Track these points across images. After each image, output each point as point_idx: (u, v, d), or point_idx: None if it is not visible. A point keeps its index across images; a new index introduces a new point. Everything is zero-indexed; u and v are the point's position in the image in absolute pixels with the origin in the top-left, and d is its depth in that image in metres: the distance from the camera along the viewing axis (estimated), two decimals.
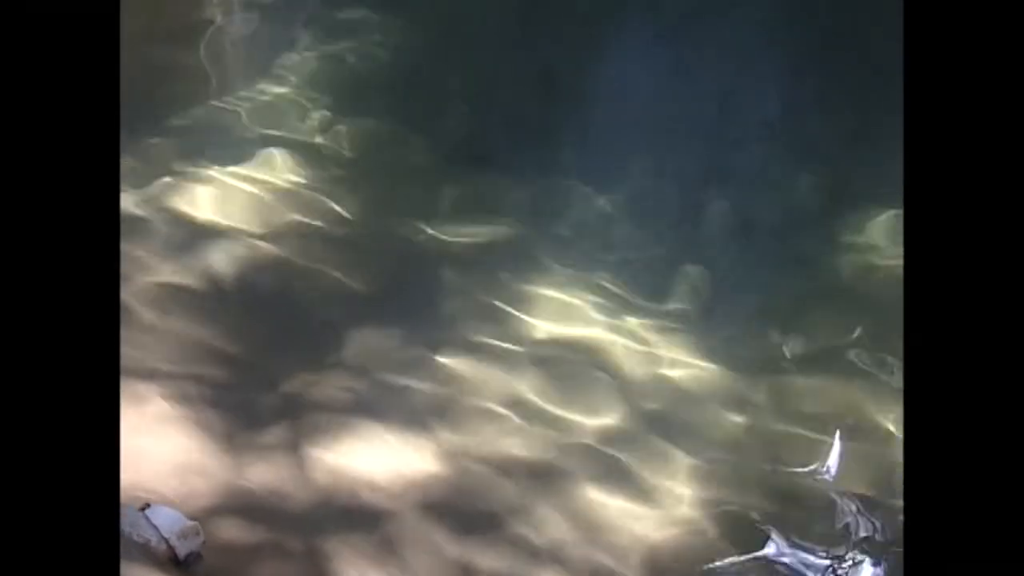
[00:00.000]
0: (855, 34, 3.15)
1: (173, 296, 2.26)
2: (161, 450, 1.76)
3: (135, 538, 1.61)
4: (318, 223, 2.69)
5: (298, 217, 2.69)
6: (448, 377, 2.23)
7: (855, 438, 2.17)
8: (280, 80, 3.27)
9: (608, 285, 2.56)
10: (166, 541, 1.61)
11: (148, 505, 1.65)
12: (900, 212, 2.29)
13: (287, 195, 2.75)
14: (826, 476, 2.14)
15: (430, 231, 2.66)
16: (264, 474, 1.78)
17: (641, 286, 2.55)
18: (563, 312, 2.49)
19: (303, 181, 2.81)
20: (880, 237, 2.66)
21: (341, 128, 3.03)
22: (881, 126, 2.58)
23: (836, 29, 3.17)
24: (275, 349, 2.24)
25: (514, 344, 2.38)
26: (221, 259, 2.43)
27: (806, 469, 2.13)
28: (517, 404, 2.18)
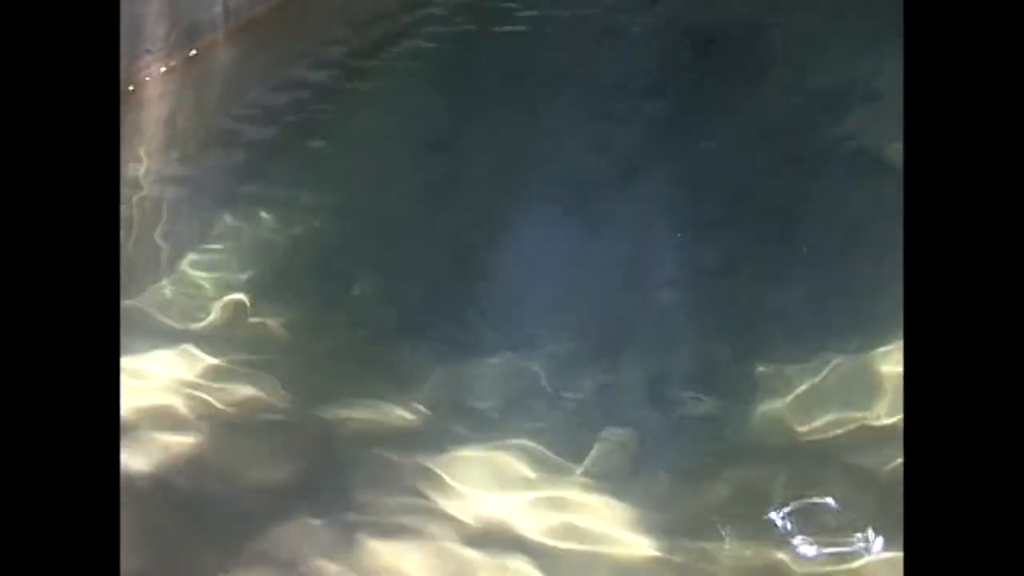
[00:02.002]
0: (761, 197, 3.33)
1: None
2: None
3: None
4: (233, 410, 2.61)
5: (216, 404, 2.61)
6: (371, 564, 2.17)
7: None
8: (195, 264, 3.21)
9: (530, 455, 2.50)
10: None
11: None
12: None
13: (201, 385, 2.68)
14: None
15: (350, 413, 2.60)
16: None
17: (564, 453, 2.50)
18: (487, 484, 2.41)
19: (218, 367, 2.75)
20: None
21: (258, 311, 2.99)
22: (789, 292, 2.80)
23: (741, 192, 3.34)
24: (193, 545, 2.19)
25: (440, 524, 2.28)
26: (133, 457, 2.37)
27: None
28: None
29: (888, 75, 3.86)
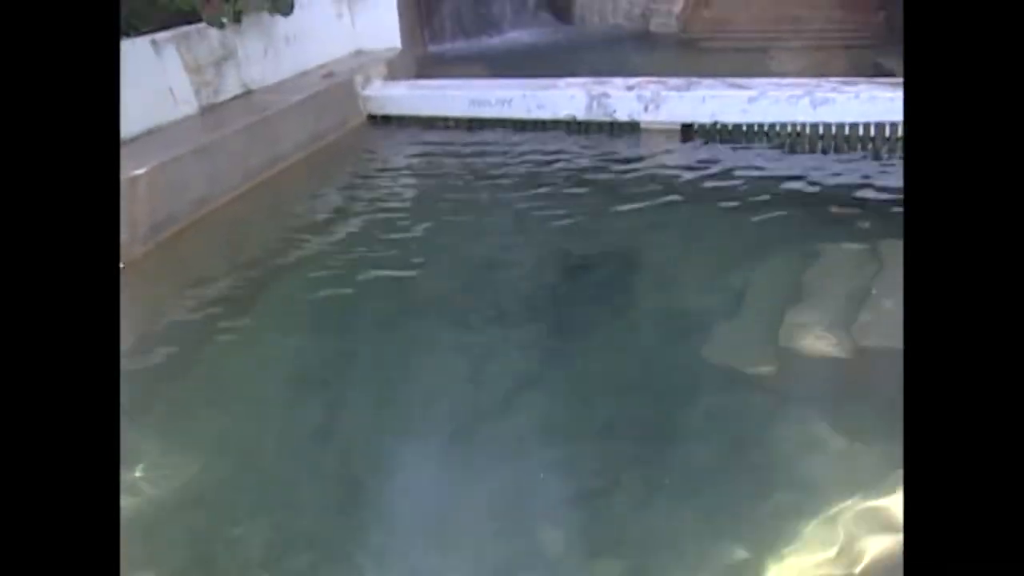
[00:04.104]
0: (636, 417, 3.39)
1: None
2: None
3: None
4: None
5: None
6: None
7: None
8: None
9: None
10: None
11: None
12: None
13: None
14: None
15: None
16: None
17: None
18: None
19: None
20: None
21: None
22: (670, 511, 2.84)
23: (616, 413, 3.42)
24: None
25: None
26: None
27: None
28: None
29: (751, 293, 4.17)
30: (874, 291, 4.12)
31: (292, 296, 4.56)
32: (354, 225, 5.44)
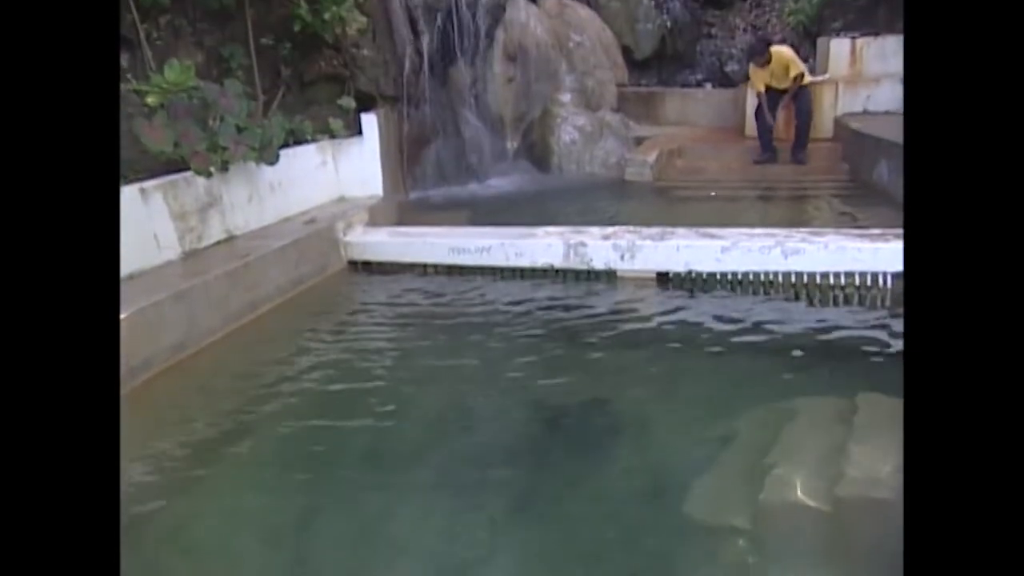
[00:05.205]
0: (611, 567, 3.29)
1: None
2: None
3: None
4: None
5: None
6: None
7: None
8: None
9: None
10: None
11: None
12: None
13: None
14: None
15: None
16: None
17: None
18: None
19: None
20: None
21: None
22: None
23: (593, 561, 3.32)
24: None
25: None
26: None
27: None
28: None
29: (729, 445, 4.16)
30: (850, 443, 4.12)
31: (262, 448, 4.49)
32: (329, 373, 5.43)
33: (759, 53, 11.26)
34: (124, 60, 7.10)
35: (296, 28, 8.46)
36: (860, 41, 12.33)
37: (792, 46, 12.29)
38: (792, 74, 11.21)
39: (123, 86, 6.68)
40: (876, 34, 12.41)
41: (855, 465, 3.92)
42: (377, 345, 5.99)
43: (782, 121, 11.63)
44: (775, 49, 11.27)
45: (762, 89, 11.42)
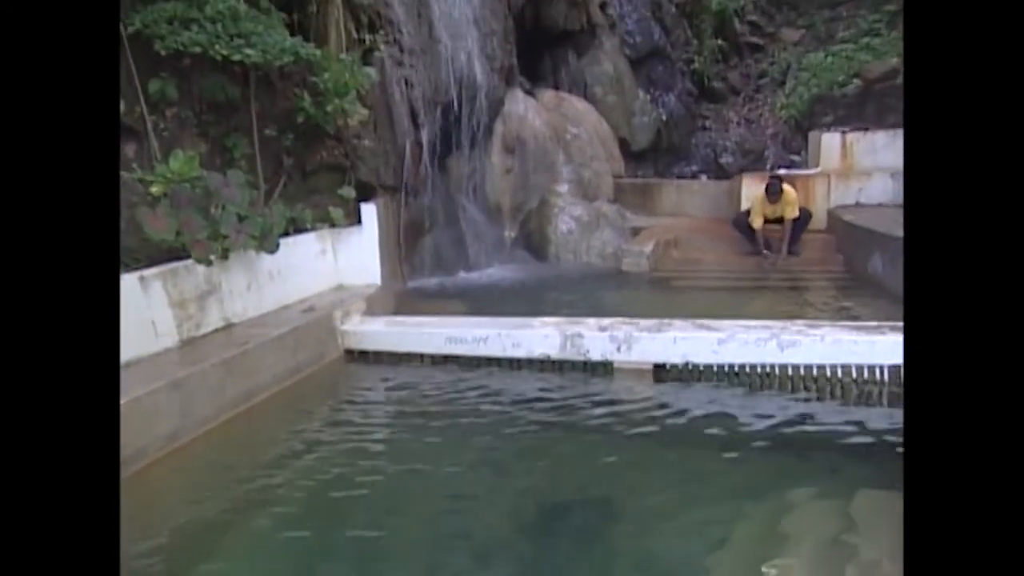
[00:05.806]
0: None
1: None
2: None
3: None
4: None
5: None
6: None
7: None
8: None
9: None
10: None
11: None
12: None
13: None
14: None
15: None
16: None
17: None
18: None
19: None
20: None
21: None
22: None
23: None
24: None
25: None
26: None
27: None
28: None
29: (729, 541, 4.10)
30: (849, 538, 4.07)
31: (251, 549, 4.40)
32: (324, 465, 5.36)
33: (775, 192, 11.50)
34: (131, 150, 7.25)
35: (299, 119, 8.65)
36: (850, 136, 12.64)
37: (783, 140, 12.59)
38: (790, 216, 11.45)
39: (129, 175, 6.80)
40: (866, 129, 12.74)
41: (855, 562, 3.87)
42: (372, 436, 5.93)
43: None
44: (787, 188, 11.53)
45: (760, 224, 11.65)
